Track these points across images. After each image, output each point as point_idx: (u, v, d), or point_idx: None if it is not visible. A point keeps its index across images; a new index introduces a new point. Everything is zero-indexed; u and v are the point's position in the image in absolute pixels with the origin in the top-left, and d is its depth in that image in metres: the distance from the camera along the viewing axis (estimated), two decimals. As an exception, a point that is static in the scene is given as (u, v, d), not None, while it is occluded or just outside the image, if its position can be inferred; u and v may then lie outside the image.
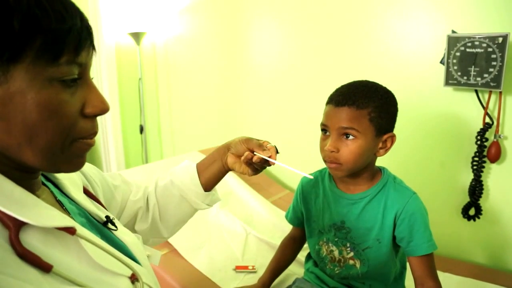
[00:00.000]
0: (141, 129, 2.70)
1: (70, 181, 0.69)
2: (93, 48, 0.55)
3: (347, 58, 1.79)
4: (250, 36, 2.17)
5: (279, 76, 2.07)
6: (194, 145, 2.53)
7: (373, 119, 0.95)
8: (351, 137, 0.94)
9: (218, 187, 2.13)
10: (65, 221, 0.55)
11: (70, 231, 0.53)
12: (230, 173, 2.09)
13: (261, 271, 1.25)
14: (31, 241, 0.49)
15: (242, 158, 0.86)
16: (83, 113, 0.54)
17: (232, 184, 2.00)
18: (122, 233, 0.71)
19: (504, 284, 1.35)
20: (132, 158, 2.87)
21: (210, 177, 0.93)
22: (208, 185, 0.94)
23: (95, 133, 0.56)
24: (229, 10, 2.23)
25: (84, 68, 0.54)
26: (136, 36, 2.45)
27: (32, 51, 0.47)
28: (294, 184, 2.08)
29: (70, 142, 0.53)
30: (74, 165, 0.56)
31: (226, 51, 2.31)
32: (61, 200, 0.63)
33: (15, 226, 0.48)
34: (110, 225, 0.69)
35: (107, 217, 0.69)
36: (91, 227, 0.63)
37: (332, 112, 0.97)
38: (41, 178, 0.61)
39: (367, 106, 0.94)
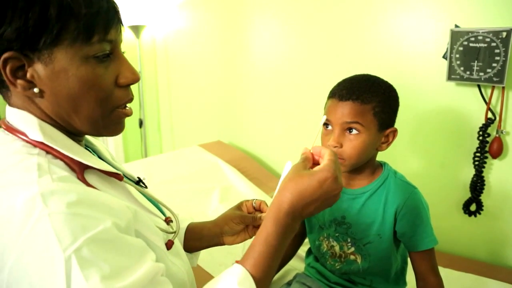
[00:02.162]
0: (141, 123, 2.69)
1: (104, 150, 0.80)
2: (122, 24, 0.64)
3: (349, 53, 1.78)
4: (250, 30, 2.15)
5: (279, 70, 2.06)
6: (193, 139, 2.53)
7: (376, 114, 0.94)
8: (354, 132, 0.93)
9: (217, 180, 2.11)
10: (114, 169, 0.68)
11: (119, 177, 0.67)
12: (230, 168, 2.10)
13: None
14: (92, 181, 0.62)
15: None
16: (117, 84, 0.63)
17: (231, 178, 1.99)
18: (151, 192, 0.84)
19: (505, 280, 1.35)
20: (131, 152, 2.86)
21: (194, 247, 0.95)
22: (190, 250, 0.95)
23: (130, 99, 0.67)
24: (229, 4, 2.22)
25: (115, 44, 0.63)
26: (136, 29, 2.43)
27: (69, 35, 0.56)
28: (294, 179, 2.07)
29: (110, 110, 0.64)
30: (114, 130, 0.67)
31: (226, 45, 2.29)
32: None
33: (80, 169, 0.60)
34: (141, 184, 0.81)
35: (138, 177, 0.82)
36: None
37: (336, 106, 0.95)
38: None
39: (371, 100, 0.93)
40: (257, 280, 0.61)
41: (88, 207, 0.54)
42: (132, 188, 0.70)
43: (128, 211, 0.60)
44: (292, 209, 0.63)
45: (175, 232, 0.74)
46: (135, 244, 0.58)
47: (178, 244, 0.76)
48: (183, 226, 0.94)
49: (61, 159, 0.60)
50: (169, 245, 0.70)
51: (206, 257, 1.43)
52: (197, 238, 0.93)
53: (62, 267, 0.49)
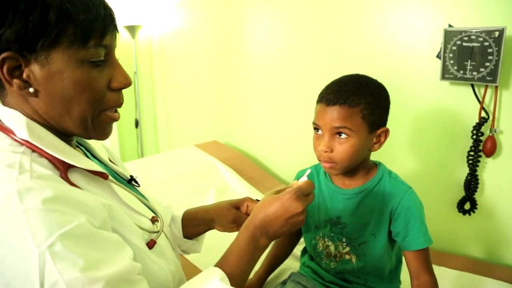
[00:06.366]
0: (137, 123, 2.68)
1: (99, 148, 0.82)
2: (117, 31, 0.66)
3: (343, 53, 1.78)
4: (246, 31, 2.15)
5: (275, 70, 2.06)
6: (190, 139, 2.53)
7: (365, 116, 0.93)
8: (344, 135, 0.93)
9: (213, 180, 2.10)
10: (100, 168, 0.69)
11: (104, 176, 0.69)
12: (225, 167, 2.10)
13: (256, 266, 1.25)
14: (76, 180, 0.63)
15: None
16: (110, 87, 0.66)
17: (227, 178, 1.99)
18: (144, 190, 0.86)
19: (499, 277, 1.35)
20: (127, 152, 2.86)
21: (193, 232, 0.98)
22: (190, 236, 0.98)
23: (120, 104, 0.69)
24: (225, 3, 2.22)
25: (110, 49, 0.65)
26: (132, 29, 2.42)
27: (66, 38, 0.58)
28: (290, 178, 2.08)
29: (99, 112, 0.65)
30: (101, 134, 0.69)
31: (222, 45, 2.29)
32: (93, 160, 0.76)
33: (64, 168, 0.62)
34: (133, 183, 0.83)
35: (131, 176, 0.84)
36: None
37: (324, 111, 0.95)
38: (76, 144, 0.75)
39: (358, 103, 0.92)
40: (230, 276, 0.70)
41: (63, 204, 0.55)
42: (117, 187, 0.71)
43: (103, 209, 0.61)
44: (259, 224, 0.75)
45: (158, 231, 0.75)
46: (110, 238, 0.59)
47: (163, 244, 0.77)
48: (179, 214, 0.96)
49: (46, 158, 0.61)
50: (150, 244, 0.71)
51: (203, 257, 1.44)
52: (194, 225, 0.96)
53: (36, 262, 0.50)
